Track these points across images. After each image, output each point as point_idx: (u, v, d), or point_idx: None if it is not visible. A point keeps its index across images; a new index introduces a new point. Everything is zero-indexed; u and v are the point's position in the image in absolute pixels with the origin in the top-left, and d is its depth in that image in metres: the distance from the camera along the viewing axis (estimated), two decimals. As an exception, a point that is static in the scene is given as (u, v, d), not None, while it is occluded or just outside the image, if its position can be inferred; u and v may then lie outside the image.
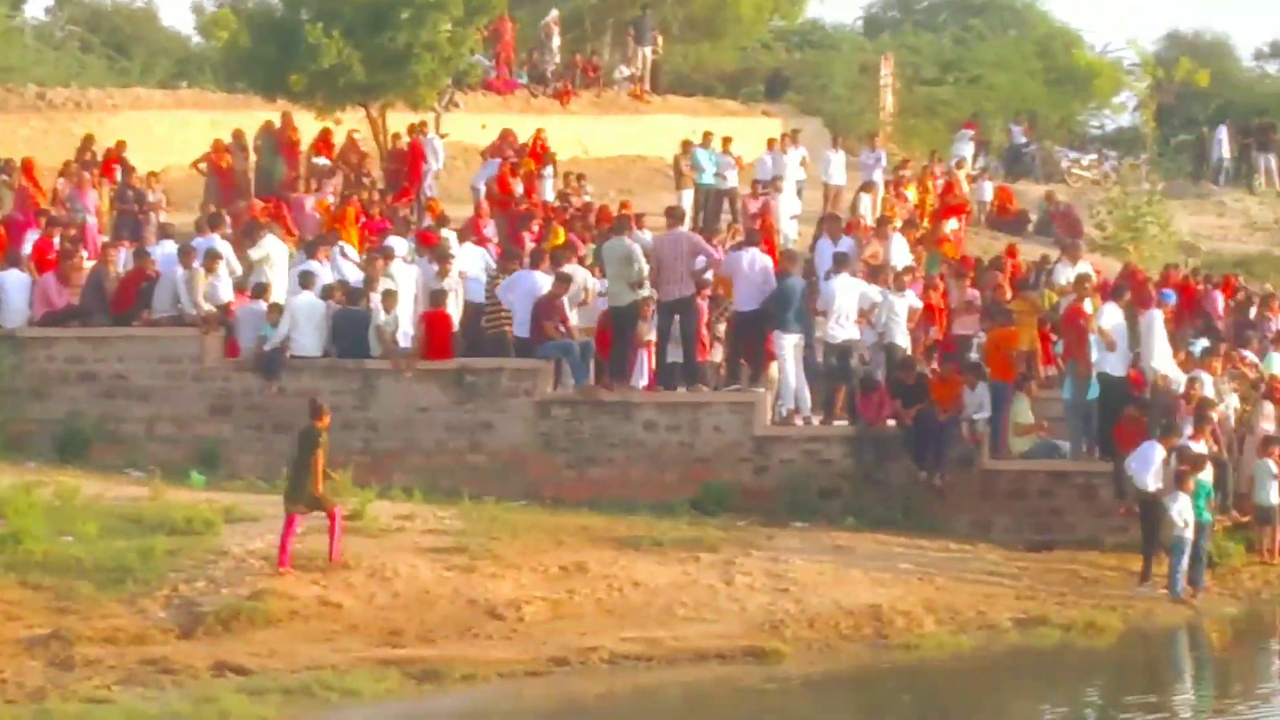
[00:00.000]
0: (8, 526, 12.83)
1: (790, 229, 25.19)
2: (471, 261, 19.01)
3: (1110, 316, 16.94)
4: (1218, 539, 16.16)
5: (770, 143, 28.51)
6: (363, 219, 22.51)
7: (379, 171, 26.53)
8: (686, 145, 27.23)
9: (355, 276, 18.52)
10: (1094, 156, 42.78)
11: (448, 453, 16.74)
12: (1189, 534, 14.96)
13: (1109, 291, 18.57)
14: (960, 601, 14.68)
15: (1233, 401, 18.01)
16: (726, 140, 27.38)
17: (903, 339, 18.24)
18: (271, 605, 11.48)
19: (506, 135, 25.95)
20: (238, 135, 24.62)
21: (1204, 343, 19.39)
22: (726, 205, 26.11)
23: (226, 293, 17.95)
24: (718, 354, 18.14)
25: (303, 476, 12.25)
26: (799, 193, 27.23)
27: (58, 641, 10.76)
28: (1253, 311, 22.55)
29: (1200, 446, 15.58)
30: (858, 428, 16.86)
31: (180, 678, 10.22)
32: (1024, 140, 39.18)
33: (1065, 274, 19.87)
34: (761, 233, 21.58)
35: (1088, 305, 17.50)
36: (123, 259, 19.05)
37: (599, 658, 11.28)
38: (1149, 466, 15.18)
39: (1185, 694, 12.57)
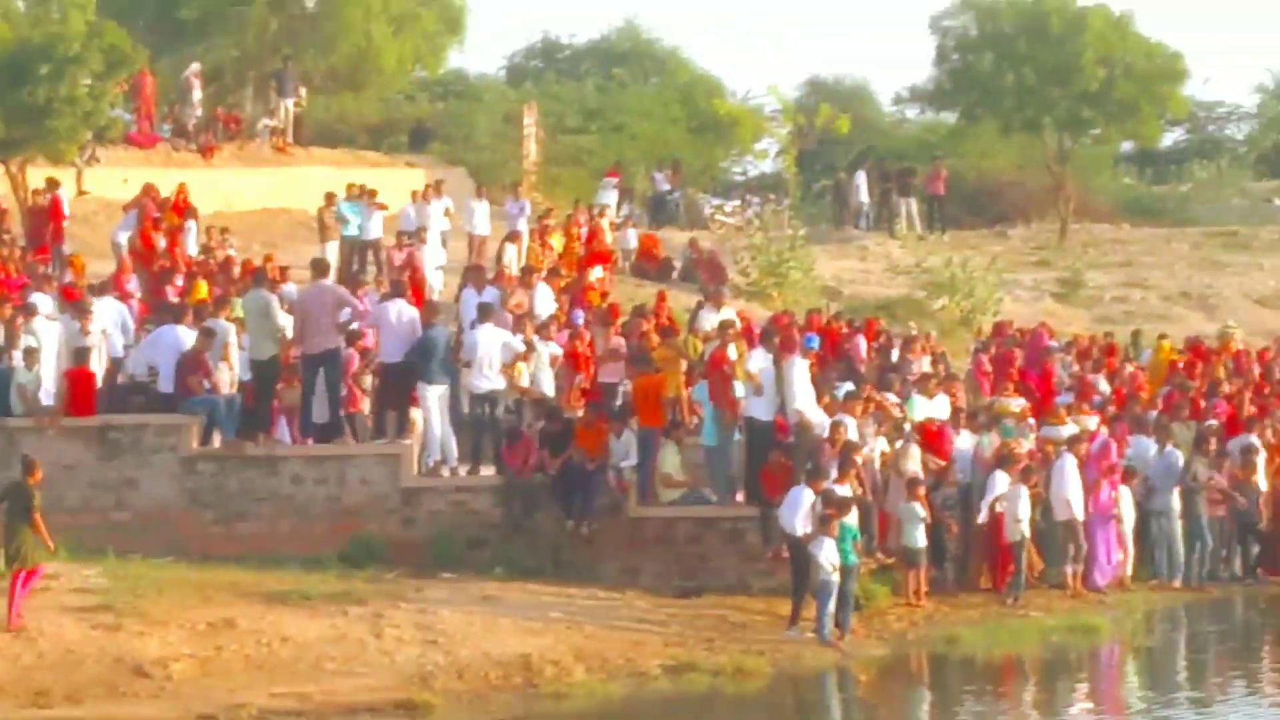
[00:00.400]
0: None
1: (435, 279, 25.29)
2: (112, 317, 18.55)
3: (757, 361, 17.41)
4: (864, 582, 16.52)
5: (414, 194, 28.70)
6: (1, 276, 21.88)
7: (19, 228, 25.92)
8: (330, 197, 27.15)
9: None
10: (737, 203, 43.90)
11: (93, 510, 16.26)
12: (835, 577, 15.23)
13: (758, 337, 19.07)
14: (610, 649, 14.86)
15: (878, 444, 18.59)
16: (371, 192, 27.34)
17: (548, 387, 18.77)
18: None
19: (148, 189, 25.27)
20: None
21: (848, 386, 19.81)
22: (371, 257, 26.16)
23: None
24: (367, 406, 18.24)
25: (15, 534, 12.12)
26: (444, 243, 27.46)
27: None
28: (895, 354, 23.24)
29: (845, 490, 15.92)
30: (505, 477, 17.08)
31: None
32: (668, 187, 40.03)
33: (709, 320, 20.38)
34: (412, 284, 21.59)
35: (732, 351, 17.90)
36: None
37: (248, 714, 11.10)
38: (797, 510, 15.49)
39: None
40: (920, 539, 17.03)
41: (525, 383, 18.01)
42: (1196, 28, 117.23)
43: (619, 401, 18.95)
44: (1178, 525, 19.17)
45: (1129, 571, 19.22)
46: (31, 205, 25.66)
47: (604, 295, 24.55)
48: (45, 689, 11.23)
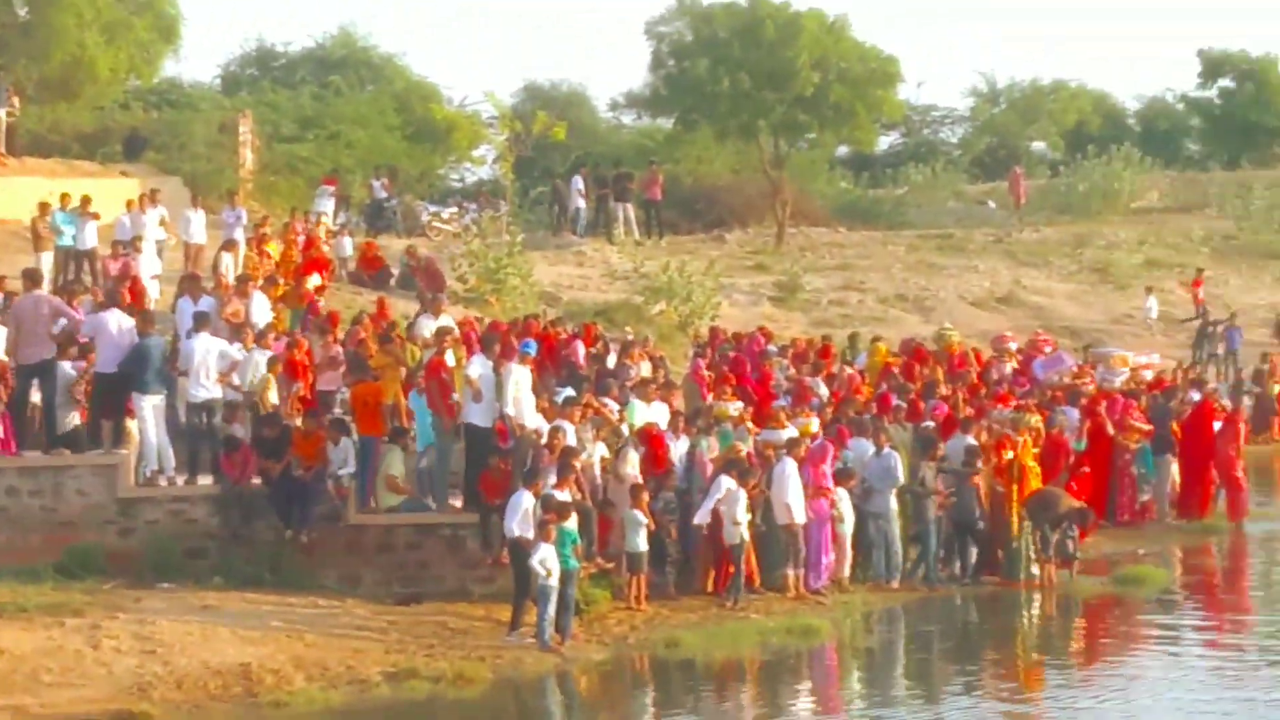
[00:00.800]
0: None
1: (152, 288, 24.73)
2: None
3: (476, 367, 17.64)
4: (584, 586, 16.64)
5: (129, 203, 28.00)
6: None
7: None
8: (44, 207, 26.42)
9: None
10: (454, 210, 44.61)
11: None
12: (554, 582, 15.36)
13: (478, 343, 19.65)
14: (330, 657, 14.81)
15: (598, 450, 18.63)
16: (86, 200, 26.55)
17: (271, 395, 18.70)
18: None
19: None
20: None
21: (567, 392, 19.93)
22: (87, 266, 25.61)
23: None
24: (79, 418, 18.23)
25: None
26: (160, 252, 27.02)
27: None
28: (613, 359, 23.49)
29: (564, 495, 16.08)
30: (222, 486, 17.07)
31: None
32: (385, 195, 40.23)
33: (428, 327, 20.94)
34: (131, 294, 21.51)
35: (449, 357, 18.39)
36: None
37: (-38, 729, 10.84)
38: (516, 515, 15.67)
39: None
40: (641, 544, 17.12)
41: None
42: (910, 32, 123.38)
43: (337, 409, 19.02)
44: (895, 526, 19.32)
45: (846, 573, 19.34)
46: None
47: (319, 303, 24.44)
48: None
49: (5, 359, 17.95)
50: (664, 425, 19.24)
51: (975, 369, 26.13)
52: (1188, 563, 21.84)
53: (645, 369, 22.61)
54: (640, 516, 16.75)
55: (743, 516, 17.10)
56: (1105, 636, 18.03)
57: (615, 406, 19.48)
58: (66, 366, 17.54)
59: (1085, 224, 49.35)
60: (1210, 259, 45.09)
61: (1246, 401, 29.73)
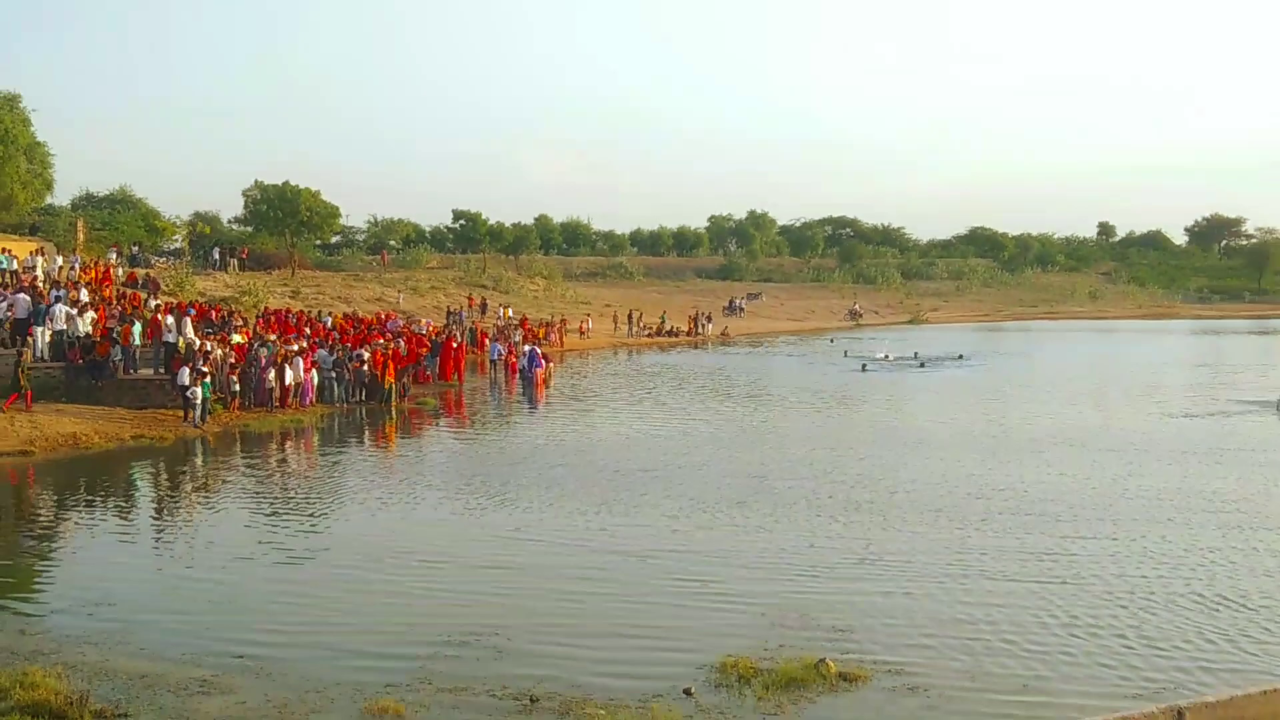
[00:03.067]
0: None
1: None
2: None
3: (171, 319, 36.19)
4: (212, 404, 33.78)
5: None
6: None
7: None
8: None
9: None
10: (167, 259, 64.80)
11: None
12: (199, 401, 32.89)
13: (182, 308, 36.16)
14: (116, 430, 31.29)
15: (219, 351, 36.23)
16: None
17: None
18: None
19: None
20: None
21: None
22: None
23: None
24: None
25: None
26: None
27: None
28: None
29: (204, 368, 34.16)
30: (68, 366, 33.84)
31: None
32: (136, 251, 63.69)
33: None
34: None
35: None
36: None
37: None
38: (184, 376, 32.97)
39: None
40: (202, 391, 35.35)
41: None
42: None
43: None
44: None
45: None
46: None
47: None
48: None
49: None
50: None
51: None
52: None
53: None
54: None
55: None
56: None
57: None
58: None
59: None
60: None
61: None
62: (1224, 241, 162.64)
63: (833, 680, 13.02)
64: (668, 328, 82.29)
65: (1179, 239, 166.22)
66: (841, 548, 19.63)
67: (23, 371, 32.70)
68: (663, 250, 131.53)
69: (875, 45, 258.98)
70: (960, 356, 65.31)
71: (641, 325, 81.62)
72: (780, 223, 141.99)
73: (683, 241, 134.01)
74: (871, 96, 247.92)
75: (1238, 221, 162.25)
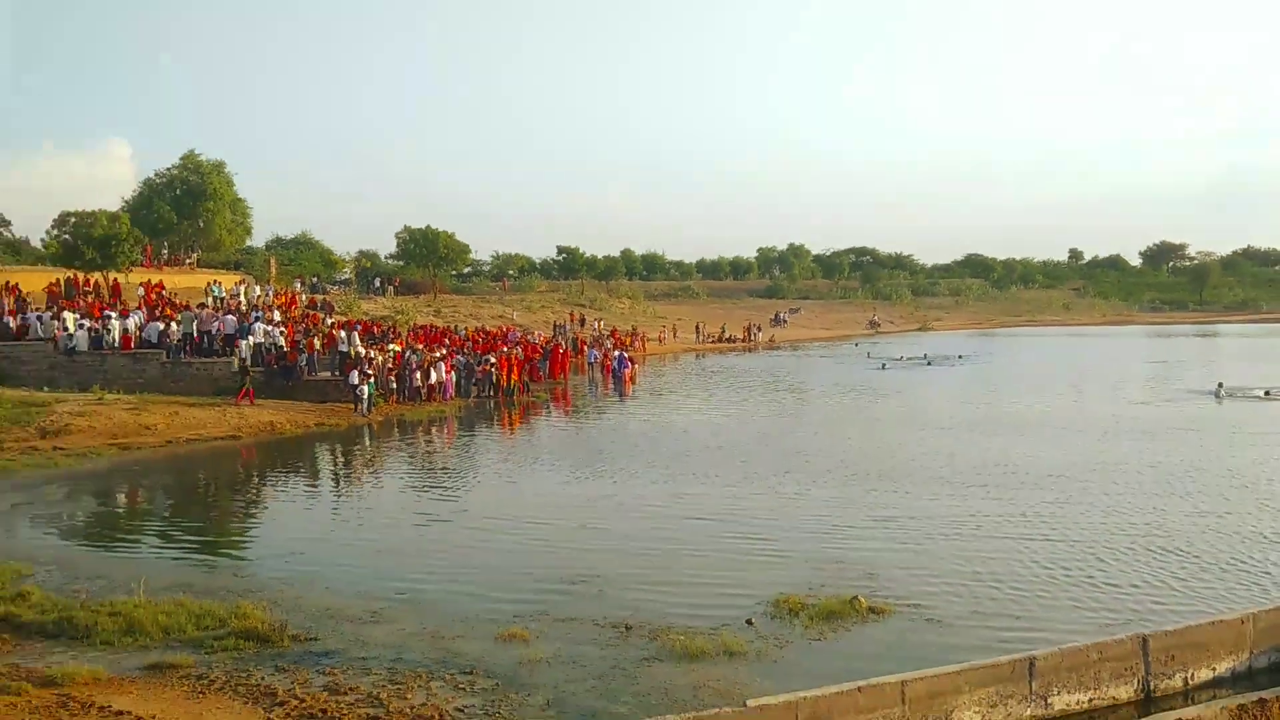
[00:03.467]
0: None
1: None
2: None
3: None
4: (377, 399, 35.79)
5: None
6: None
7: None
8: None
9: None
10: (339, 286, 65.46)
11: None
12: (365, 395, 35.63)
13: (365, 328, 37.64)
14: (277, 419, 33.27)
15: (380, 357, 37.19)
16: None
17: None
18: None
19: None
20: None
21: (393, 346, 37.84)
22: None
23: None
24: None
25: None
26: None
27: None
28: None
29: (369, 371, 36.41)
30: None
31: None
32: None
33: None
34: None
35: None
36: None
37: None
38: (353, 376, 35.60)
39: None
40: (368, 388, 37.99)
41: None
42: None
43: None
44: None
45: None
46: None
47: None
48: None
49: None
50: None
51: None
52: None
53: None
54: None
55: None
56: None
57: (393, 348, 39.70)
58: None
59: None
60: None
61: None
62: (1171, 263, 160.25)
63: (864, 613, 13.05)
64: (726, 336, 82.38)
65: (1135, 260, 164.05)
66: (866, 510, 19.53)
67: (248, 374, 34.24)
68: (721, 275, 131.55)
69: (885, 110, 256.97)
70: (960, 356, 64.59)
71: (706, 334, 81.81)
72: (814, 252, 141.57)
73: (737, 268, 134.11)
74: (888, 148, 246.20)
75: (1182, 246, 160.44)
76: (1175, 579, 14.65)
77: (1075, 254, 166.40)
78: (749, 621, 12.74)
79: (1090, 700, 10.01)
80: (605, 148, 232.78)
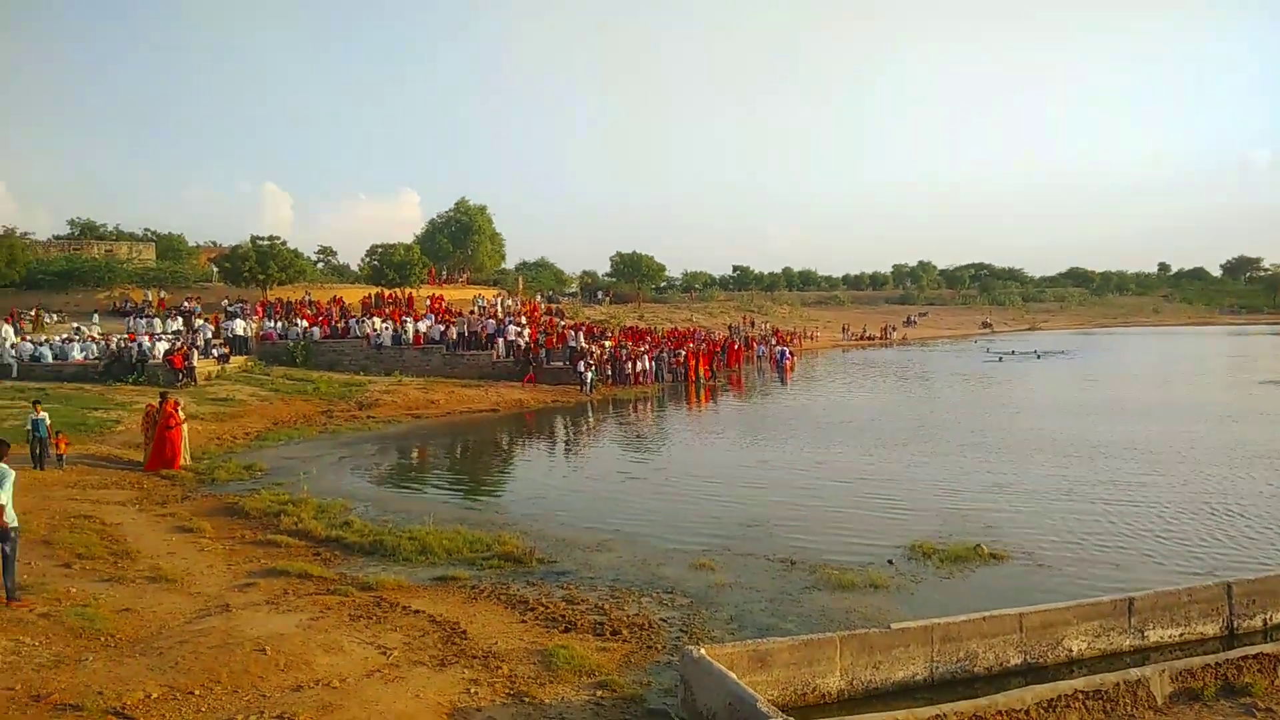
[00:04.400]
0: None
1: None
2: None
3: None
4: (597, 384, 36.99)
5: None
6: None
7: None
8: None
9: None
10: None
11: None
12: (589, 377, 36.23)
13: None
14: (475, 396, 34.16)
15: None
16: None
17: None
18: None
19: None
20: None
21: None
22: None
23: None
24: None
25: None
26: None
27: None
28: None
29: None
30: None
31: None
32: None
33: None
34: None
35: None
36: None
37: None
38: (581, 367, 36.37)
39: None
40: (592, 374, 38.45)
41: None
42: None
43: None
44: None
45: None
46: None
47: None
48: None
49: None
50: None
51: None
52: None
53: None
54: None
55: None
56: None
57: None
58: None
59: None
60: None
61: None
62: (1248, 274, 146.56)
63: (985, 558, 12.53)
64: (866, 334, 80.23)
65: (1215, 272, 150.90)
66: (986, 474, 18.70)
67: (531, 364, 35.57)
68: (862, 286, 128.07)
69: (1010, 145, 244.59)
70: (1064, 351, 61.01)
71: (850, 333, 79.91)
72: (939, 267, 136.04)
73: (875, 280, 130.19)
74: (999, 173, 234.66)
75: (1258, 260, 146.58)
76: (1249, 539, 13.49)
77: (1164, 267, 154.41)
78: (890, 562, 12.42)
79: (1181, 635, 9.35)
80: (763, 189, 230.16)
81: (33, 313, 40.32)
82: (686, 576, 11.79)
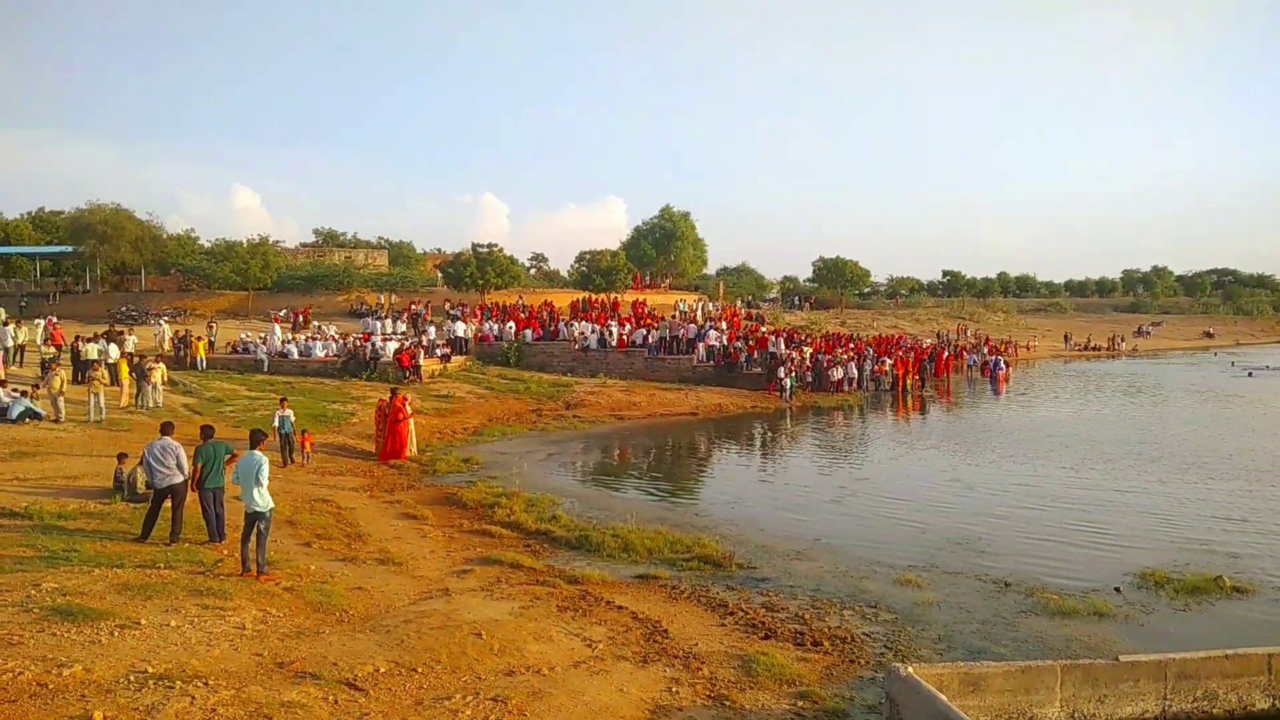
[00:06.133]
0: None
1: None
2: None
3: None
4: (796, 390, 37.13)
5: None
6: None
7: None
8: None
9: None
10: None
11: None
12: (788, 386, 36.22)
13: None
14: (681, 401, 35.22)
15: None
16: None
17: None
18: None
19: None
20: None
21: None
22: None
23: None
24: None
25: None
26: None
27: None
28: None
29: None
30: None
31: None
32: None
33: None
34: None
35: None
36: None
37: None
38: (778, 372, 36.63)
39: None
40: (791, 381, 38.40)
41: None
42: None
43: None
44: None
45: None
46: None
47: None
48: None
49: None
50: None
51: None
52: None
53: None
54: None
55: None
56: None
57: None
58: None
59: None
60: None
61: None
62: None
63: (1228, 591, 11.41)
64: (1091, 344, 74.62)
65: None
66: (1230, 500, 16.98)
67: (779, 374, 35.35)
68: (1088, 293, 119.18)
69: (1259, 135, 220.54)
70: (1327, 367, 54.20)
71: (1073, 343, 74.60)
72: (1176, 273, 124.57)
73: (1102, 287, 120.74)
74: (1246, 173, 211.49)
75: None
76: None
77: None
78: (1117, 589, 11.51)
79: None
80: (977, 187, 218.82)
81: (302, 312, 44.71)
82: (891, 591, 11.43)
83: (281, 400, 20.50)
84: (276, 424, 19.02)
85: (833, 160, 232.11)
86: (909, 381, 39.57)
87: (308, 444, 19.47)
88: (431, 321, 42.64)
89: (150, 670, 7.02)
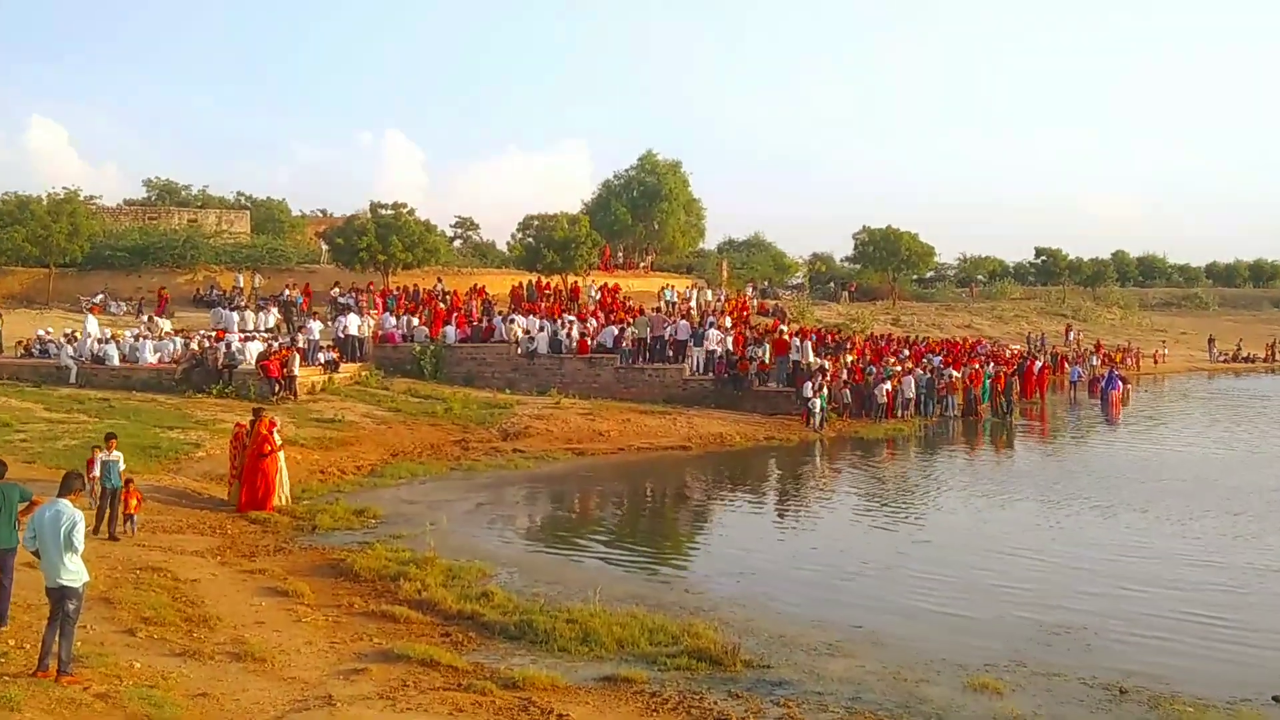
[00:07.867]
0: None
1: None
2: None
3: None
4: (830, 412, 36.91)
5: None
6: None
7: None
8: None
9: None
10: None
11: None
12: (818, 408, 35.83)
13: None
14: (733, 431, 33.77)
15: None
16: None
17: None
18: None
19: None
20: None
21: None
22: None
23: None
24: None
25: None
26: None
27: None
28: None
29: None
30: None
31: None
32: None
33: None
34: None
35: None
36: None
37: None
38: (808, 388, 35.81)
39: None
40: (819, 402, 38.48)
41: None
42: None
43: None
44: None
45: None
46: None
47: None
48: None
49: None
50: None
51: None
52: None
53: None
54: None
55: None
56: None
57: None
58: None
59: None
60: None
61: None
62: None
63: None
64: (1244, 354, 75.41)
65: None
66: None
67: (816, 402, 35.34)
68: (1238, 281, 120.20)
69: None
70: None
71: (1219, 351, 75.33)
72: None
73: (1259, 273, 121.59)
74: None
75: None
76: None
77: None
78: (1275, 699, 11.60)
79: None
80: (1078, 143, 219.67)
81: (97, 299, 44.14)
82: (960, 701, 11.45)
83: (107, 438, 18.58)
84: (98, 473, 17.60)
85: (882, 93, 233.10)
86: (1003, 401, 39.72)
87: (134, 502, 17.95)
88: (312, 314, 42.40)
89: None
